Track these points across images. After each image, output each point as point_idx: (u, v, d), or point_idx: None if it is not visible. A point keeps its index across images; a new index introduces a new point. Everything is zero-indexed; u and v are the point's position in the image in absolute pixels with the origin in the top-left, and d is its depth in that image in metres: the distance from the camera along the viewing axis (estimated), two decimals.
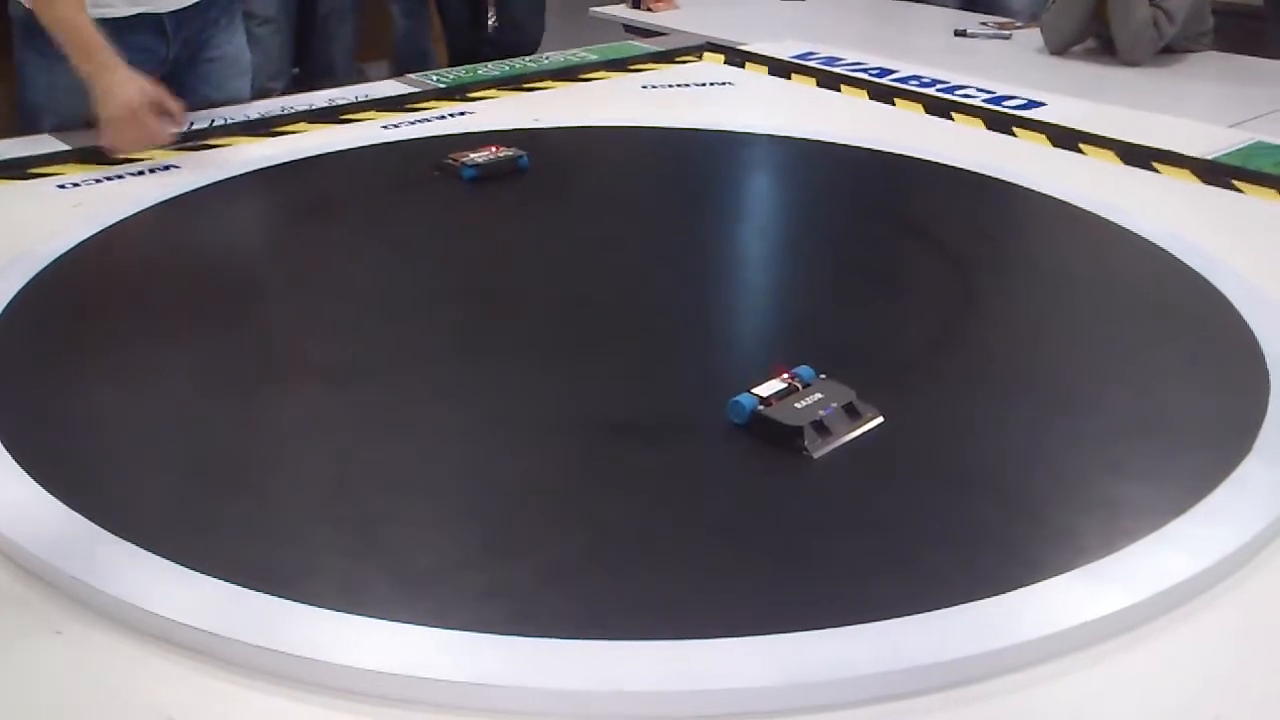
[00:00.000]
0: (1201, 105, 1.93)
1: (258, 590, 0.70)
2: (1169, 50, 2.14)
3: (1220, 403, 0.93)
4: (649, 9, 2.65)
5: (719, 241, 1.31)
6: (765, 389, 0.88)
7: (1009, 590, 0.71)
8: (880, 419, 0.88)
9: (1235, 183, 1.42)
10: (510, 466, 0.86)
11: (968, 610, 0.69)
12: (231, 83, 1.71)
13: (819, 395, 0.88)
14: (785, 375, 0.90)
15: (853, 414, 0.88)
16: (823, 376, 0.91)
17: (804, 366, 0.91)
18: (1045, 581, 0.72)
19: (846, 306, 1.13)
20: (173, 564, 0.72)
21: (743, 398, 0.87)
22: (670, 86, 1.89)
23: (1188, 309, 1.10)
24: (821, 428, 0.86)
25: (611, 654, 0.66)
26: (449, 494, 0.82)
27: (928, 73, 1.89)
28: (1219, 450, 0.85)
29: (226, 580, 0.71)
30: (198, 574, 0.71)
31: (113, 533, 0.75)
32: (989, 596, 0.70)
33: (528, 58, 2.05)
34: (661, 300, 1.15)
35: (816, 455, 0.84)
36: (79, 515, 0.77)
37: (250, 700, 0.65)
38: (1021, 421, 0.92)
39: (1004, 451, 0.88)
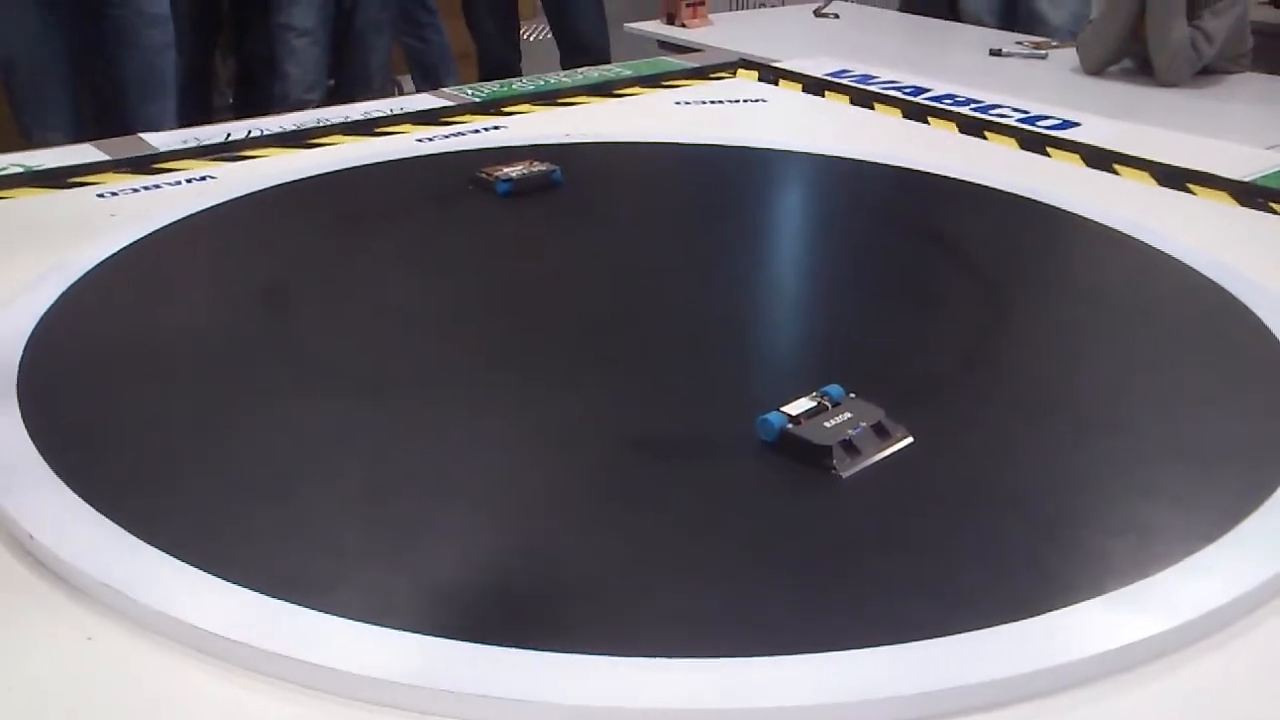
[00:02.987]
0: (1239, 127, 1.92)
1: (289, 600, 0.70)
2: (1207, 71, 2.13)
3: (1255, 428, 0.93)
4: (683, 25, 2.66)
5: (749, 258, 1.31)
6: (794, 407, 0.88)
7: (1039, 614, 0.70)
8: (909, 439, 0.88)
9: (1273, 205, 1.41)
10: (539, 481, 0.86)
11: (997, 633, 0.69)
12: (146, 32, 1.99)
13: (848, 414, 0.88)
14: (814, 394, 0.90)
15: (882, 434, 0.87)
16: (852, 395, 0.90)
17: (833, 385, 0.91)
18: (1076, 606, 0.71)
19: (876, 325, 1.12)
20: (204, 573, 0.73)
21: (771, 416, 0.87)
22: (704, 103, 1.90)
23: (1222, 332, 1.09)
24: (850, 447, 0.85)
25: (640, 671, 0.66)
26: (478, 508, 0.83)
27: (962, 92, 1.88)
28: (1253, 477, 0.84)
29: (257, 590, 0.71)
30: (229, 583, 0.72)
31: (145, 540, 0.76)
32: (1019, 619, 0.70)
33: (562, 72, 2.07)
34: (692, 316, 1.15)
35: (845, 475, 0.84)
36: (112, 523, 0.78)
37: (277, 709, 0.65)
38: (1052, 444, 0.91)
39: (1034, 473, 0.88)
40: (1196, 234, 1.29)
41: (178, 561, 0.74)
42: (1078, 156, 1.60)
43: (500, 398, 0.98)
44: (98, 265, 1.19)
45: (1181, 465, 0.88)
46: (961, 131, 1.73)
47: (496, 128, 1.72)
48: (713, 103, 1.90)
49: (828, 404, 0.89)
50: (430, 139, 1.66)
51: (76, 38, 2.63)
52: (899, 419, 0.89)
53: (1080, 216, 1.36)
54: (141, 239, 1.27)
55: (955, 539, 0.79)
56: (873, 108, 1.86)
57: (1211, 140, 1.65)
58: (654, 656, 0.67)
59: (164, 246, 1.27)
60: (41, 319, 1.07)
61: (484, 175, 1.43)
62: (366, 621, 0.69)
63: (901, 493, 0.84)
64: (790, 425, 0.86)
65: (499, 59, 3.62)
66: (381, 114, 1.75)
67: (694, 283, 1.22)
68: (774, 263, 1.34)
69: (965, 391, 1.00)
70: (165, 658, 0.69)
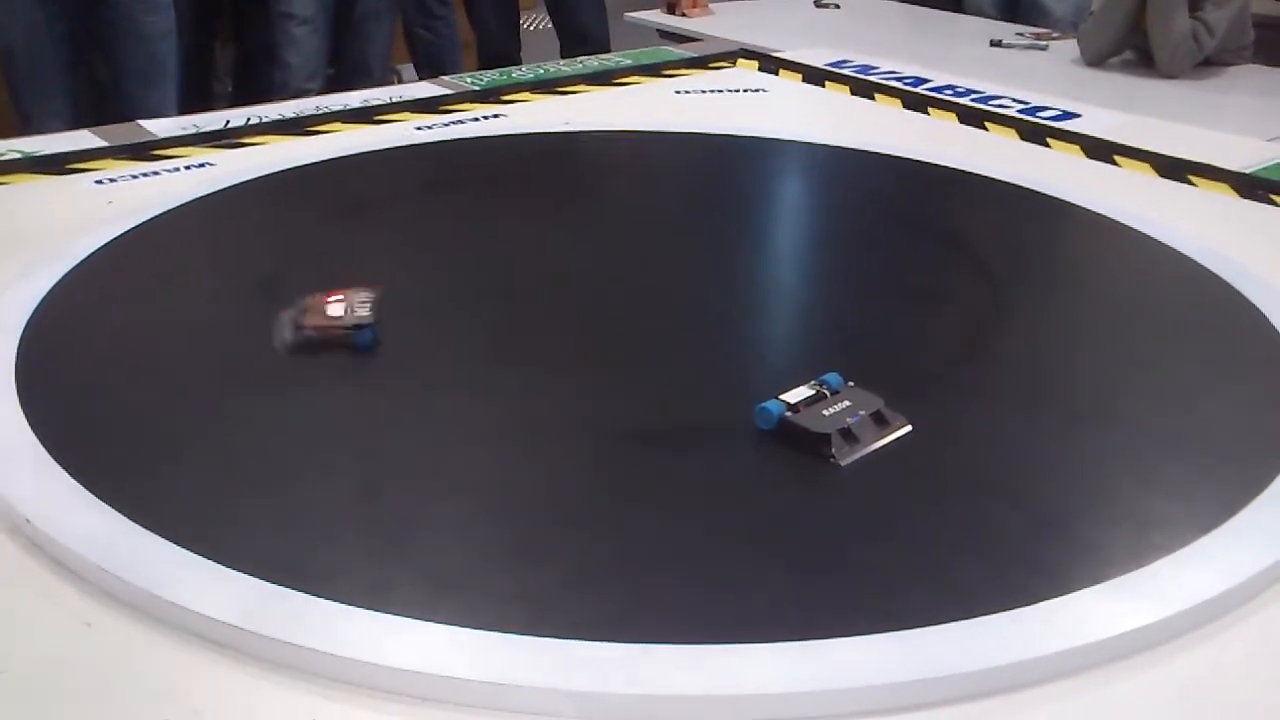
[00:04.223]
0: (1240, 118, 1.91)
1: (286, 586, 0.70)
2: (1208, 63, 2.12)
3: (1253, 420, 0.93)
4: (683, 15, 2.65)
5: (748, 248, 1.31)
6: (793, 395, 0.88)
7: (1035, 602, 0.70)
8: (909, 428, 0.88)
9: (1274, 197, 1.41)
10: (537, 471, 0.86)
11: (994, 621, 0.69)
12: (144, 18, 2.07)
13: (847, 403, 0.88)
14: (812, 382, 0.90)
15: (881, 422, 0.87)
16: (851, 384, 0.90)
17: (832, 374, 0.91)
18: (1072, 594, 0.71)
19: (876, 315, 1.12)
20: (202, 558, 0.73)
21: (770, 404, 0.87)
22: (703, 92, 1.89)
23: (1222, 324, 1.09)
24: (849, 435, 0.85)
25: (637, 657, 0.66)
26: (475, 496, 0.83)
27: (962, 82, 1.88)
28: (1251, 467, 0.85)
29: (255, 576, 0.71)
30: (227, 569, 0.72)
31: (144, 526, 0.76)
32: (1015, 608, 0.70)
33: (561, 61, 2.06)
34: (690, 306, 1.15)
35: (844, 463, 0.84)
36: (110, 508, 0.78)
37: (276, 695, 0.65)
38: (1051, 434, 0.91)
39: (1032, 463, 0.88)
40: (1197, 225, 1.29)
41: (176, 547, 0.74)
42: (1078, 148, 1.60)
43: (498, 387, 0.98)
44: (95, 252, 1.19)
45: (1179, 456, 0.88)
46: (962, 122, 1.73)
47: (496, 116, 1.72)
48: (713, 92, 1.89)
49: (826, 392, 0.89)
50: (430, 127, 1.66)
51: (77, 25, 2.63)
52: (898, 408, 0.89)
53: (1080, 207, 1.36)
54: (139, 226, 1.26)
55: (953, 527, 0.79)
56: (873, 98, 1.86)
57: (1212, 132, 1.65)
58: (649, 643, 0.67)
59: (162, 234, 1.26)
60: (39, 305, 1.07)
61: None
62: (365, 608, 0.69)
63: (900, 482, 0.84)
64: (789, 413, 0.86)
65: (499, 48, 3.61)
66: (381, 102, 1.75)
67: (692, 271, 1.22)
68: (773, 252, 1.34)
69: (965, 380, 1.00)
70: (164, 643, 0.69)
